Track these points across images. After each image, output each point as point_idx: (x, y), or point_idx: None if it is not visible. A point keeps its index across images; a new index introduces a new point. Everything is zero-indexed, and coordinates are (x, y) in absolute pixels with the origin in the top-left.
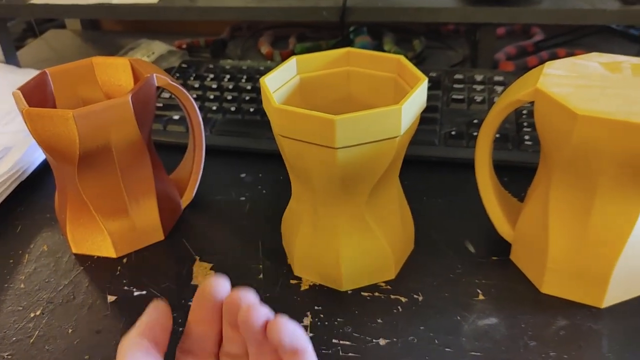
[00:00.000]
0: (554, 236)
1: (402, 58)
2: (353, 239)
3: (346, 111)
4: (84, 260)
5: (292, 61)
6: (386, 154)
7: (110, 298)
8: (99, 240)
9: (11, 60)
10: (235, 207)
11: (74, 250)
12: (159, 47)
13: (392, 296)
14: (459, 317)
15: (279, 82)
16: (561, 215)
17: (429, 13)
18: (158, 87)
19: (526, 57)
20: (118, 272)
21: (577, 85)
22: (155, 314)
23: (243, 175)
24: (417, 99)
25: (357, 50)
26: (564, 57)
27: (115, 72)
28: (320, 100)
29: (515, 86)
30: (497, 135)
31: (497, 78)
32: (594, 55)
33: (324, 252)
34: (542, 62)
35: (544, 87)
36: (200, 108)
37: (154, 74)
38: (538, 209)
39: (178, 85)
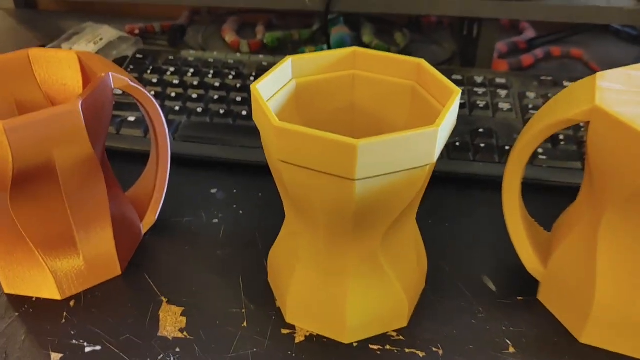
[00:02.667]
0: (602, 281)
1: (422, 62)
2: (363, 282)
3: (349, 125)
4: (19, 303)
5: (287, 63)
6: (413, 185)
7: (55, 356)
8: (38, 279)
9: None
10: (208, 231)
11: (7, 290)
12: (108, 33)
13: (407, 350)
14: None
15: (273, 89)
16: (613, 257)
17: (425, 5)
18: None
19: (518, 55)
20: (64, 320)
21: None
22: None
23: (214, 191)
24: (451, 117)
25: (366, 50)
26: (559, 57)
27: (59, 68)
28: (319, 110)
29: (562, 102)
30: (507, 148)
31: (499, 80)
32: None
33: (326, 297)
34: (537, 61)
35: (604, 105)
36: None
37: (110, 73)
38: (581, 247)
39: (140, 88)
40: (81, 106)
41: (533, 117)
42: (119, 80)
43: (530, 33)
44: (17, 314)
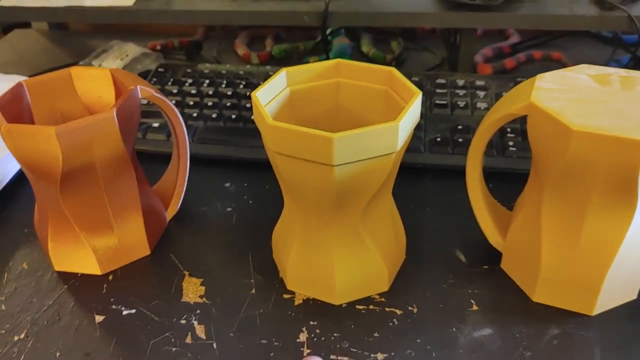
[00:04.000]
0: (546, 246)
1: (393, 70)
2: (347, 253)
3: (335, 123)
4: (67, 278)
5: (282, 74)
6: (382, 169)
7: (98, 318)
8: (82, 257)
9: None
10: (222, 218)
11: (56, 268)
12: (133, 50)
13: (387, 309)
14: (454, 329)
15: (270, 96)
16: (554, 226)
17: (409, 18)
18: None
19: (503, 59)
20: (104, 290)
21: (570, 99)
22: None
23: (227, 184)
24: (412, 114)
25: (347, 61)
26: (540, 59)
27: (96, 83)
28: (309, 112)
29: (508, 99)
30: None
31: (478, 82)
32: (583, 67)
33: (318, 267)
34: (519, 64)
35: (537, 101)
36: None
37: (138, 86)
38: (530, 219)
39: (163, 98)
40: (115, 114)
41: (487, 113)
42: (145, 91)
43: (515, 38)
44: (65, 286)
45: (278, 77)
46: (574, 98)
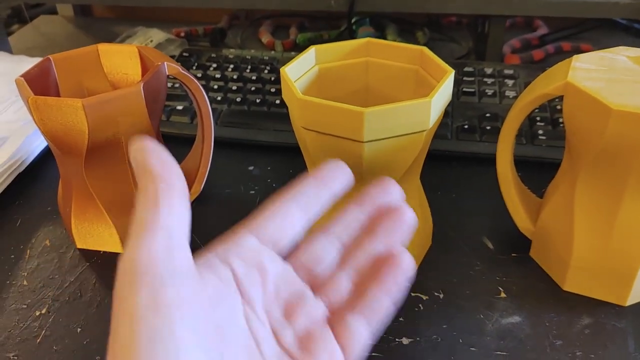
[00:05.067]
0: (579, 234)
1: (425, 49)
2: None
3: (364, 103)
4: (89, 255)
5: (311, 51)
6: (413, 147)
7: None
8: (105, 235)
9: (2, 46)
10: (245, 200)
11: (79, 246)
12: (157, 35)
13: (413, 294)
14: (482, 316)
15: (299, 73)
16: (587, 212)
17: (437, 3)
18: (168, 76)
19: (531, 50)
20: None
21: (608, 79)
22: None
23: (251, 168)
24: (444, 91)
25: (378, 40)
26: (570, 51)
27: (122, 60)
28: (338, 91)
29: (542, 80)
30: None
31: (507, 71)
32: (621, 49)
33: None
34: (547, 55)
35: (575, 80)
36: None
37: (165, 63)
38: (562, 205)
39: (189, 75)
40: (142, 88)
41: (519, 96)
42: (172, 68)
43: (543, 30)
44: (88, 263)
45: (307, 54)
46: (613, 78)
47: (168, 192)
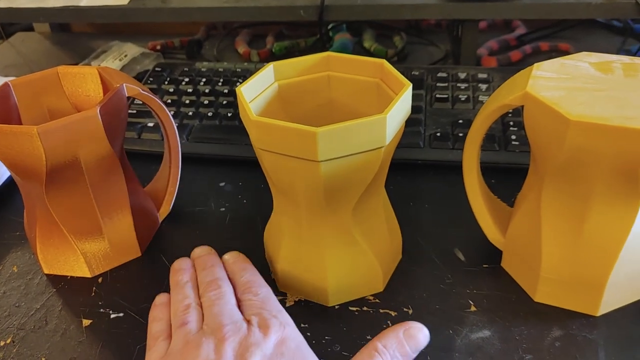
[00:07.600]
0: (547, 244)
1: (384, 62)
2: (339, 253)
3: (328, 118)
4: (56, 281)
5: (269, 68)
6: (371, 164)
7: (86, 322)
8: (71, 260)
9: None
10: (216, 218)
11: (46, 271)
12: (132, 50)
13: (381, 310)
14: (451, 331)
15: (257, 91)
16: (554, 222)
17: (410, 10)
18: (129, 97)
19: (508, 51)
20: (93, 293)
21: (568, 87)
22: None
23: (222, 184)
24: (402, 106)
25: (337, 54)
26: (547, 51)
27: (83, 82)
28: (301, 107)
29: (504, 90)
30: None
31: (481, 75)
32: (583, 55)
33: (309, 267)
34: (525, 56)
35: (533, 90)
36: (175, 114)
37: (124, 84)
38: (529, 215)
39: (150, 95)
40: (99, 112)
41: (483, 105)
42: (131, 89)
43: (521, 30)
44: (55, 289)
45: (265, 71)
46: (574, 87)
47: None
